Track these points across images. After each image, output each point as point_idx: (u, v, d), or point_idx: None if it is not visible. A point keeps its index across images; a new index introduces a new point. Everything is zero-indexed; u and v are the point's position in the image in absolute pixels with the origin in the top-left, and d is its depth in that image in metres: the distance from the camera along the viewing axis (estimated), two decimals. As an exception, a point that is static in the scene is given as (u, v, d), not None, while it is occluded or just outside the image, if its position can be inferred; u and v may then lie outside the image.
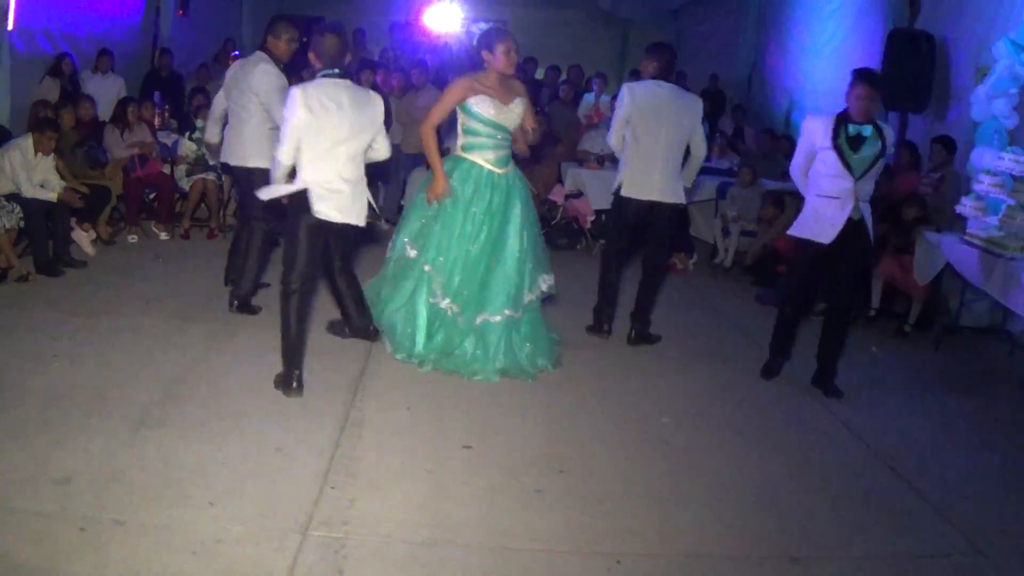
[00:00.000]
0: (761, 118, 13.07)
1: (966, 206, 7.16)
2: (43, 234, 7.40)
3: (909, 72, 8.66)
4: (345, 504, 4.04)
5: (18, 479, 4.03)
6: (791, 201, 8.66)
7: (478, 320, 5.78)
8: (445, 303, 5.78)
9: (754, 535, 4.12)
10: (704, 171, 10.52)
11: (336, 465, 4.41)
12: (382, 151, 5.35)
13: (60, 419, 4.66)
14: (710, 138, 12.62)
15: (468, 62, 6.11)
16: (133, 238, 8.82)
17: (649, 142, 6.33)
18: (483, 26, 5.97)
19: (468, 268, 5.75)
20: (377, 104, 5.23)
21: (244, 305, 6.64)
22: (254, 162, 6.39)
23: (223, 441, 4.57)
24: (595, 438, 5.02)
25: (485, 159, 5.79)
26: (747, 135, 12.22)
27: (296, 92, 4.98)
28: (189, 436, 4.60)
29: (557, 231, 9.87)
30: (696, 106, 6.44)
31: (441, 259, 5.77)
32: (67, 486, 3.99)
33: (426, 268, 5.81)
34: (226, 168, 7.10)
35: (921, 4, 9.23)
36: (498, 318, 5.79)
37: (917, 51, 8.65)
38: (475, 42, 5.98)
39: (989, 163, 7.05)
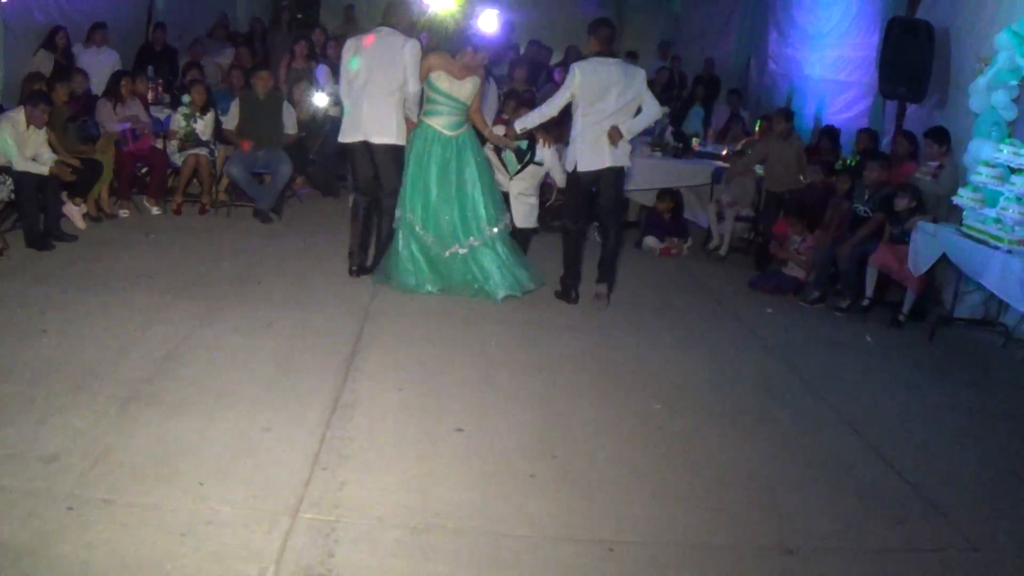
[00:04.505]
0: (760, 104, 12.98)
1: (963, 197, 7.11)
2: (34, 207, 7.33)
3: (907, 61, 8.61)
4: (336, 486, 4.00)
5: (4, 456, 3.99)
6: None
7: (446, 253, 6.98)
8: (429, 239, 6.98)
9: (748, 525, 4.09)
10: (699, 156, 10.51)
11: (327, 446, 4.37)
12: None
13: (47, 396, 4.62)
14: (705, 123, 12.60)
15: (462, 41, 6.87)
16: (124, 213, 8.74)
17: (597, 117, 6.77)
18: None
19: (434, 209, 6.96)
20: None
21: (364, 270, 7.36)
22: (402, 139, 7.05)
23: (213, 420, 4.53)
24: (589, 423, 4.98)
25: (439, 124, 6.99)
26: (744, 120, 12.13)
27: None
28: (179, 414, 4.56)
29: (551, 213, 9.71)
30: (640, 74, 6.92)
31: (416, 205, 6.97)
32: (54, 464, 3.95)
33: (408, 216, 6.99)
34: (363, 147, 7.15)
35: (923, -7, 9.16)
36: (465, 249, 6.98)
37: (916, 40, 8.59)
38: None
39: (987, 155, 7.00)
